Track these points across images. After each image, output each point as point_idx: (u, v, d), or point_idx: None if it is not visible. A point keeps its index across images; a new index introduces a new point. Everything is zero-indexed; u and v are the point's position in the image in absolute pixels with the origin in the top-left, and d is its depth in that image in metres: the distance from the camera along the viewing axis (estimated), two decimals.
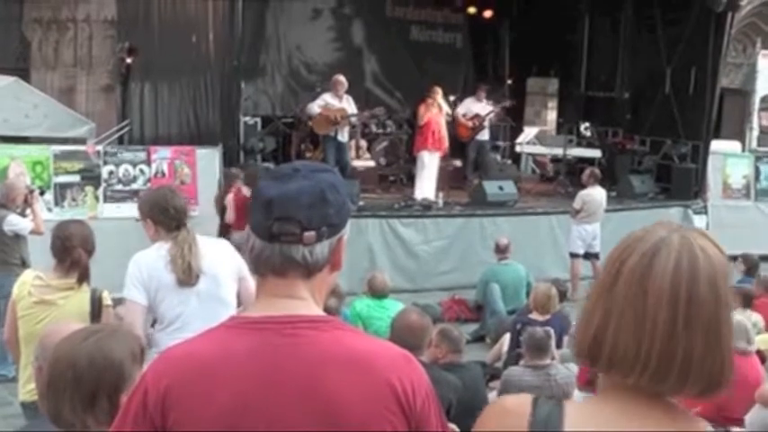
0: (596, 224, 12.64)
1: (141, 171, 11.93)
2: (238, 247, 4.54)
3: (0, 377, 8.22)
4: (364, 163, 15.18)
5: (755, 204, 16.27)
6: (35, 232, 8.49)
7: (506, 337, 8.85)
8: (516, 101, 18.02)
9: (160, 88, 15.48)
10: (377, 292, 8.86)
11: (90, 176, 11.67)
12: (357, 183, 13.18)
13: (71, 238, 4.95)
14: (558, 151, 16.86)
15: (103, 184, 11.71)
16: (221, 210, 11.10)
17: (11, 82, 15.56)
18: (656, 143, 16.39)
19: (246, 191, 10.25)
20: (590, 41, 18.23)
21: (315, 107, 13.77)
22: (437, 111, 14.14)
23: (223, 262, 4.60)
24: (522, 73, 19.34)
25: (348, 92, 13.90)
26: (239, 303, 4.60)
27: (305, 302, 1.96)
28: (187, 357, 1.92)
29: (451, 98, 15.59)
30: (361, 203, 12.87)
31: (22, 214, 8.69)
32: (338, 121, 13.64)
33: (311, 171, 1.98)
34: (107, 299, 4.97)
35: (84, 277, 4.95)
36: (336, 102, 13.77)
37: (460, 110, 15.60)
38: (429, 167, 14.10)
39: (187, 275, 4.46)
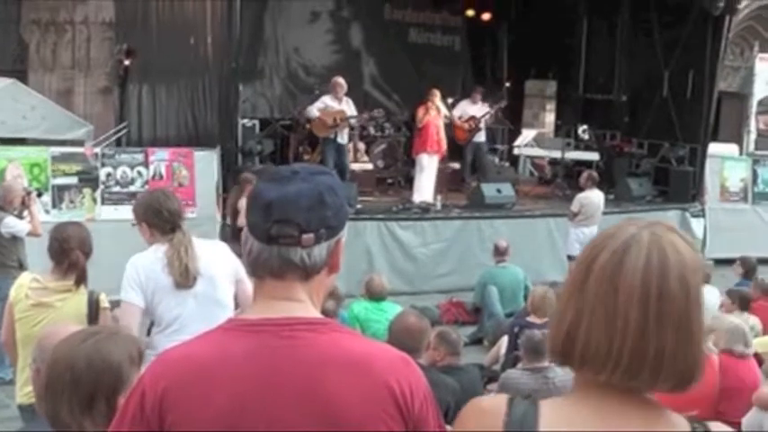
0: (594, 227, 12.62)
1: (139, 173, 11.92)
2: None
3: None
4: (362, 166, 15.19)
5: (753, 207, 16.28)
6: (32, 234, 8.48)
7: (504, 340, 8.84)
8: (514, 103, 18.02)
9: (158, 90, 15.48)
10: (375, 295, 8.87)
11: (88, 178, 11.66)
12: (355, 185, 13.19)
13: (69, 240, 4.94)
14: (556, 154, 16.85)
15: (101, 186, 11.70)
16: (234, 214, 11.09)
17: (8, 84, 15.54)
18: (653, 146, 16.40)
19: None
20: (588, 44, 18.24)
21: (314, 109, 13.77)
22: (436, 113, 14.15)
23: (219, 264, 4.60)
24: (520, 75, 19.37)
25: (346, 94, 13.90)
26: (236, 305, 4.60)
27: (303, 305, 1.96)
28: (185, 359, 1.92)
29: (449, 101, 15.60)
30: (359, 206, 12.87)
31: (20, 216, 8.68)
32: (337, 124, 13.64)
33: (310, 173, 1.98)
34: (104, 301, 4.96)
35: (81, 279, 4.94)
36: (336, 104, 13.77)
37: (456, 112, 15.60)
38: (428, 170, 14.10)
39: (184, 278, 4.46)
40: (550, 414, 1.65)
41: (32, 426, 3.35)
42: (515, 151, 17.68)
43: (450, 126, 14.98)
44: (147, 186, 11.54)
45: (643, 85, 16.73)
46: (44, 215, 10.18)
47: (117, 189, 11.75)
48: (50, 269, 4.98)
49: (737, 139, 21.79)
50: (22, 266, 8.10)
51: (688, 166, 15.67)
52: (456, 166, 16.05)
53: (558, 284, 10.33)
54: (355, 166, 14.81)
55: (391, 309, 8.38)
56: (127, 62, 16.74)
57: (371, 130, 15.57)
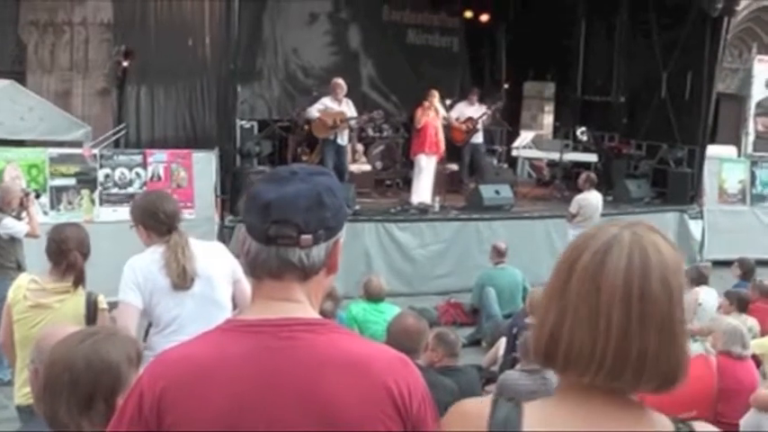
0: None
1: (137, 174, 11.91)
2: None
3: None
4: (361, 167, 15.19)
5: (751, 209, 16.28)
6: (31, 235, 8.48)
7: (502, 341, 8.84)
8: (512, 105, 18.01)
9: (156, 91, 15.47)
10: (373, 296, 8.87)
11: (86, 180, 11.65)
12: (353, 187, 13.20)
13: (67, 241, 4.94)
14: (555, 155, 16.85)
15: (99, 188, 11.69)
16: None
17: (6, 85, 15.53)
18: (652, 148, 16.41)
19: None
20: (586, 46, 18.25)
21: (314, 111, 13.79)
22: (434, 115, 14.18)
23: (217, 264, 4.60)
24: (518, 77, 19.38)
25: (345, 96, 13.91)
26: (234, 306, 4.61)
27: (301, 305, 1.96)
28: (183, 360, 1.92)
29: (447, 102, 15.61)
30: (357, 207, 12.88)
31: (18, 217, 8.68)
32: (337, 125, 13.65)
33: (308, 174, 1.98)
34: (102, 302, 4.96)
35: (79, 280, 4.94)
36: (336, 105, 13.79)
37: (453, 114, 15.61)
38: (426, 171, 14.12)
39: (182, 279, 4.46)
40: (534, 416, 1.65)
41: (30, 426, 3.34)
42: (514, 153, 17.68)
43: (447, 127, 14.98)
44: (145, 188, 11.54)
45: (641, 87, 16.74)
46: (42, 216, 10.18)
47: (115, 190, 11.74)
48: (48, 270, 4.98)
49: (736, 140, 21.80)
50: (20, 267, 8.09)
51: (686, 168, 15.67)
52: (454, 167, 16.06)
53: None
54: (353, 168, 14.81)
55: (389, 310, 8.38)
56: (125, 63, 16.73)
57: (370, 132, 15.58)
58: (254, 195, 1.96)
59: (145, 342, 4.47)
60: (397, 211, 13.48)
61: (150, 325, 4.63)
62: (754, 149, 21.12)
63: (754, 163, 17.10)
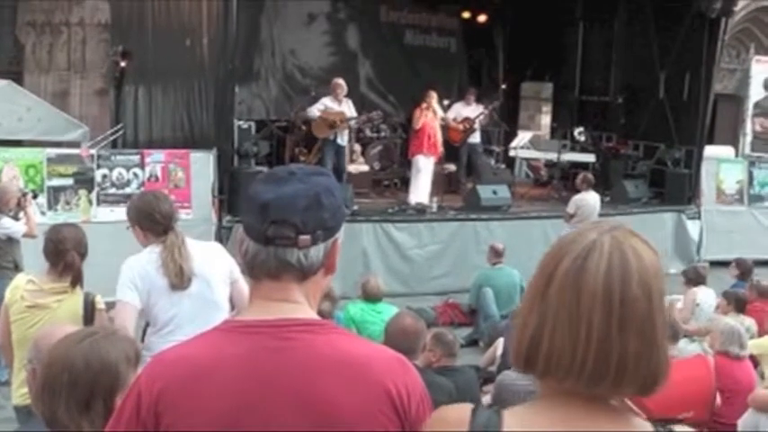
0: None
1: (135, 175, 11.91)
2: None
3: None
4: (358, 167, 15.19)
5: (749, 210, 16.29)
6: (28, 235, 8.47)
7: (500, 342, 8.85)
8: (510, 105, 18.01)
9: (154, 92, 15.46)
10: (371, 296, 8.86)
11: (83, 180, 11.65)
12: (350, 187, 13.20)
13: (64, 241, 4.94)
14: (552, 156, 16.86)
15: (97, 188, 11.68)
16: None
17: (4, 85, 15.51)
18: (649, 148, 16.42)
19: None
20: (584, 46, 18.26)
21: (314, 110, 13.80)
22: (432, 115, 14.19)
23: (215, 264, 4.60)
24: (516, 77, 19.39)
25: (345, 95, 13.92)
26: (232, 306, 4.60)
27: (299, 306, 1.96)
28: (181, 360, 1.91)
29: (445, 102, 15.62)
30: (355, 208, 12.87)
31: (16, 217, 8.67)
32: (337, 125, 13.66)
33: (306, 174, 1.98)
34: (100, 302, 4.95)
35: (77, 281, 4.93)
36: (336, 105, 13.80)
37: (450, 114, 15.62)
38: (424, 172, 14.12)
39: (179, 279, 4.46)
40: (514, 421, 1.65)
41: (28, 426, 3.34)
42: (511, 153, 17.67)
43: (444, 128, 14.99)
44: (143, 188, 11.54)
45: (639, 87, 16.74)
46: (40, 217, 10.19)
47: (113, 191, 11.73)
48: (46, 270, 4.97)
49: (733, 141, 21.80)
50: (17, 268, 8.09)
51: (684, 169, 15.67)
52: (452, 167, 16.07)
53: None
54: (351, 168, 14.81)
55: (387, 310, 8.38)
56: (123, 64, 16.71)
57: (368, 132, 15.58)
58: (252, 196, 1.96)
59: (142, 342, 4.47)
60: (395, 212, 13.49)
61: (148, 325, 4.63)
62: (752, 150, 21.11)
63: (751, 163, 17.12)
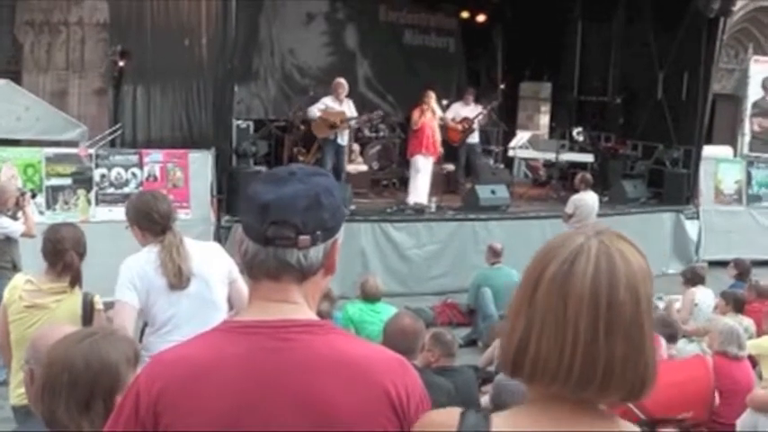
0: None
1: (133, 174, 11.90)
2: None
3: None
4: (357, 167, 15.19)
5: (747, 210, 16.30)
6: (26, 235, 8.46)
7: (498, 342, 8.83)
8: (509, 105, 18.01)
9: (153, 91, 15.46)
10: (369, 296, 8.86)
11: (82, 179, 11.64)
12: (349, 187, 13.19)
13: (63, 241, 4.93)
14: (551, 156, 16.87)
15: (95, 188, 11.68)
16: None
17: (2, 84, 15.52)
18: (648, 148, 16.43)
19: None
20: (582, 46, 18.26)
21: (315, 110, 13.80)
22: (431, 115, 14.18)
23: (213, 264, 4.59)
24: (514, 77, 19.40)
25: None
26: (230, 306, 4.60)
27: (299, 307, 1.95)
28: (180, 361, 1.91)
29: (444, 102, 15.62)
30: (353, 208, 12.87)
31: (14, 217, 8.66)
32: (338, 125, 13.66)
33: (306, 175, 1.97)
34: (99, 303, 4.95)
35: (76, 280, 4.92)
36: (337, 105, 13.80)
37: (449, 114, 15.63)
38: (423, 172, 14.11)
39: (178, 279, 4.45)
40: (502, 425, 1.65)
41: (26, 426, 3.34)
42: (510, 153, 17.68)
43: (443, 128, 14.99)
44: (141, 188, 11.53)
45: (638, 87, 16.76)
46: (38, 216, 10.17)
47: (111, 190, 11.73)
48: (44, 270, 4.96)
49: (732, 141, 21.81)
50: (15, 267, 8.08)
51: (682, 169, 15.68)
52: (451, 167, 16.07)
53: None
54: (350, 168, 14.81)
55: (385, 310, 8.37)
56: (121, 63, 16.71)
57: (366, 132, 15.57)
58: (251, 196, 1.95)
59: (141, 342, 4.46)
60: (394, 212, 13.48)
61: (146, 325, 4.62)
62: (750, 150, 21.12)
63: (750, 163, 17.13)
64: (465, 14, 18.37)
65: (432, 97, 14.24)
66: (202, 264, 4.55)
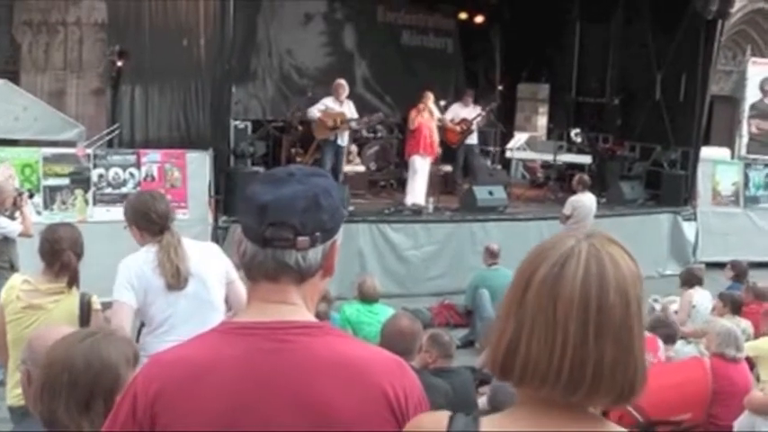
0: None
1: (131, 174, 11.90)
2: None
3: None
4: (355, 168, 15.19)
5: (745, 211, 16.32)
6: (24, 235, 8.44)
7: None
8: (507, 106, 18.01)
9: (150, 92, 15.44)
10: (367, 297, 8.85)
11: (80, 180, 11.64)
12: (347, 187, 13.19)
13: (60, 241, 4.92)
14: (549, 157, 16.88)
15: (93, 188, 11.67)
16: None
17: (0, 84, 15.50)
18: (645, 149, 16.43)
19: None
20: (580, 47, 18.27)
21: (315, 111, 13.80)
22: (429, 116, 14.18)
23: (211, 265, 4.59)
24: (512, 78, 19.36)
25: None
26: (228, 307, 4.60)
27: (297, 308, 1.95)
28: (178, 362, 1.91)
29: (442, 103, 15.61)
30: (351, 208, 12.85)
31: (11, 217, 8.65)
32: (338, 126, 13.66)
33: (305, 175, 1.97)
34: (96, 303, 4.94)
35: (73, 281, 4.91)
36: (337, 106, 13.80)
37: (448, 115, 15.64)
38: (421, 172, 14.11)
39: (176, 279, 4.45)
40: (491, 428, 1.65)
41: (22, 426, 3.33)
42: (507, 154, 17.68)
43: (441, 129, 14.99)
44: (139, 188, 11.52)
45: (635, 89, 16.76)
46: (36, 216, 10.15)
47: (109, 190, 11.72)
48: (42, 271, 4.95)
49: (729, 142, 21.82)
50: (13, 268, 8.07)
51: (680, 170, 15.69)
52: (448, 168, 16.07)
53: None
54: (347, 168, 14.81)
55: (383, 311, 8.37)
56: (119, 63, 16.69)
57: (364, 133, 15.56)
58: (250, 197, 1.95)
59: (137, 342, 4.46)
60: (391, 212, 13.48)
61: (143, 325, 4.62)
62: (748, 152, 21.14)
63: (747, 165, 17.15)
64: (463, 15, 18.35)
65: (429, 98, 14.25)
66: (200, 264, 4.55)
